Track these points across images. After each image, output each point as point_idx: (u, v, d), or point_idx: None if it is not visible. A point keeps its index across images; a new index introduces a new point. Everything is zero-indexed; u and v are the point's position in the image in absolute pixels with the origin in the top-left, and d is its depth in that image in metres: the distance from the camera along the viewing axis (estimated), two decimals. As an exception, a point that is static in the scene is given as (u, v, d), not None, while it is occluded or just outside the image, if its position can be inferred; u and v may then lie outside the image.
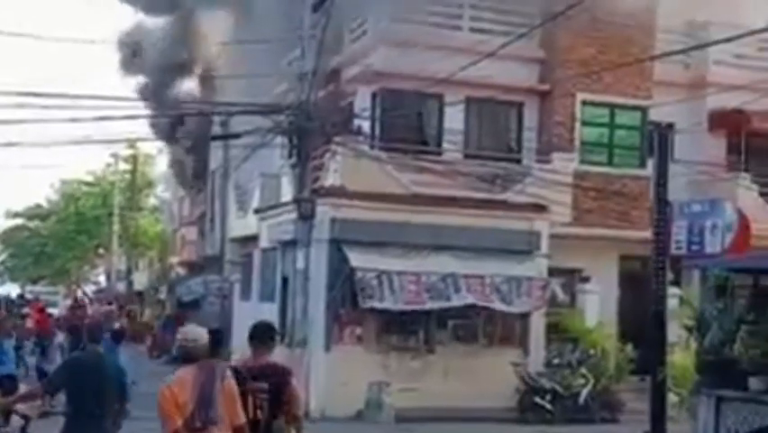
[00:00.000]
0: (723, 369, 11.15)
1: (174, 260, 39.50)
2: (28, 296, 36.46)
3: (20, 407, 8.91)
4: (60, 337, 19.62)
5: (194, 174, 32.69)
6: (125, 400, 7.93)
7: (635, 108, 20.76)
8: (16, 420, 8.94)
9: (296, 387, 6.75)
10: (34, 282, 55.74)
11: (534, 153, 20.55)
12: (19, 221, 53.62)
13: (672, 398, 13.54)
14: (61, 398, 8.63)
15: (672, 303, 14.18)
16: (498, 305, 18.10)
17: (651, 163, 15.22)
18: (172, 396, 6.11)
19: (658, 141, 12.24)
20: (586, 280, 20.13)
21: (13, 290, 48.91)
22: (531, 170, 19.99)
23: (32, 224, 52.72)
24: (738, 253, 14.66)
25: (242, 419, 6.27)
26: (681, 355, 15.04)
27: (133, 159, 45.20)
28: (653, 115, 19.53)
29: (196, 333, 6.47)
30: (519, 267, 18.53)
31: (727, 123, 21.51)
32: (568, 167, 19.97)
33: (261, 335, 6.83)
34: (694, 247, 15.49)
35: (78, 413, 7.53)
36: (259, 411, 6.53)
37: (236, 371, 6.51)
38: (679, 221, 15.38)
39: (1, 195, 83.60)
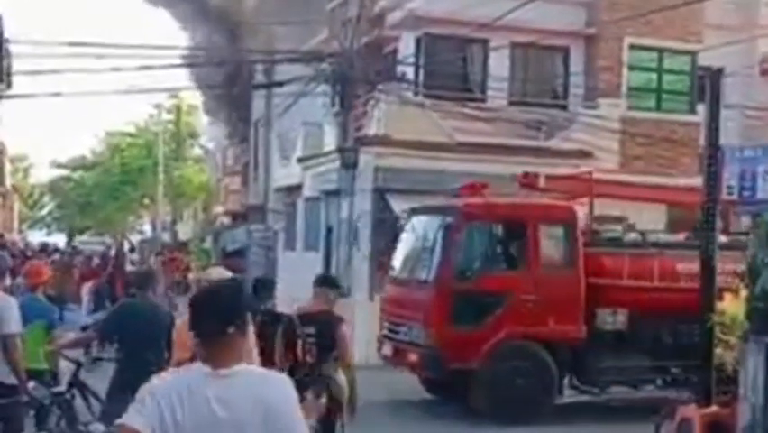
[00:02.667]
0: (774, 316, 11.01)
1: (218, 209, 39.80)
2: (82, 248, 36.66)
3: (71, 353, 9.03)
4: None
5: (238, 119, 32.70)
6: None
7: (684, 52, 20.33)
8: (66, 366, 9.05)
9: (344, 333, 6.98)
10: (80, 233, 56.54)
11: (580, 99, 20.25)
12: (64, 172, 54.24)
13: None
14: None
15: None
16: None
17: (700, 109, 14.94)
18: (183, 332, 6.37)
19: (710, 85, 11.96)
20: (632, 227, 19.90)
21: (60, 240, 49.67)
22: (577, 116, 19.73)
23: (76, 174, 53.31)
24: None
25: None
26: (730, 302, 14.89)
27: (177, 109, 45.36)
28: (703, 60, 19.12)
29: (215, 274, 6.75)
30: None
31: (780, 66, 21.02)
32: (615, 113, 19.67)
33: (324, 281, 7.28)
34: (746, 193, 15.17)
35: (130, 359, 7.61)
36: (308, 355, 6.79)
37: (290, 317, 6.91)
38: (730, 166, 15.07)
39: (46, 146, 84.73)
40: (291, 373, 6.68)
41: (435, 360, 11.97)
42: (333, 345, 6.91)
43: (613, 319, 12.53)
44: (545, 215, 12.83)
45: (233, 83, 28.35)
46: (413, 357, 12.25)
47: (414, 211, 14.10)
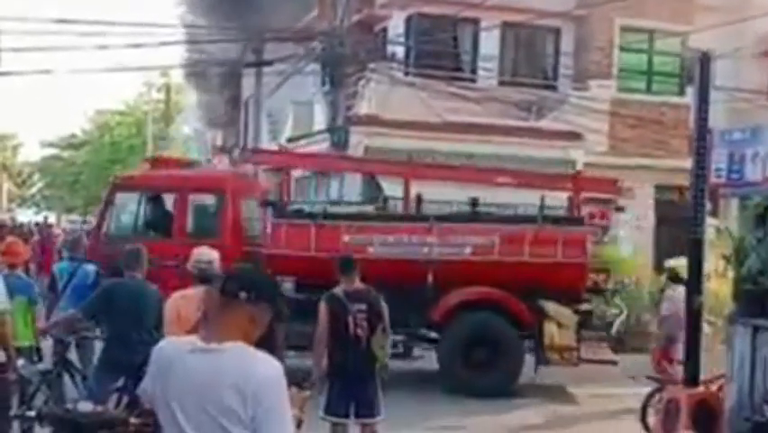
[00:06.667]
0: (760, 298, 11.04)
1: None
2: (66, 225, 36.14)
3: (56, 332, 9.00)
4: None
5: (227, 101, 32.52)
6: (162, 327, 8.00)
7: (675, 34, 20.32)
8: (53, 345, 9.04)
9: (385, 307, 7.63)
10: (69, 211, 56.26)
11: (570, 80, 20.24)
12: (54, 151, 53.92)
13: (705, 327, 13.48)
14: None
15: (708, 233, 13.99)
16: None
17: (690, 91, 14.92)
18: (175, 307, 6.54)
19: (699, 67, 11.95)
20: (621, 209, 19.93)
21: (49, 219, 49.27)
22: (567, 97, 19.72)
23: (66, 153, 53.00)
24: (779, 182, 14.41)
25: None
26: (717, 284, 14.95)
27: (167, 88, 45.11)
28: (693, 41, 19.09)
29: (210, 255, 6.82)
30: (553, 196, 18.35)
31: (770, 49, 21.00)
32: (605, 94, 19.67)
33: (351, 263, 7.79)
34: (734, 175, 15.28)
35: (117, 338, 7.59)
36: (359, 330, 7.44)
37: (337, 296, 7.51)
38: (719, 149, 15.14)
39: (36, 124, 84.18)
40: (342, 347, 7.41)
41: None
42: (379, 319, 7.51)
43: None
44: (192, 186, 13.31)
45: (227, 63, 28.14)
46: None
47: None
